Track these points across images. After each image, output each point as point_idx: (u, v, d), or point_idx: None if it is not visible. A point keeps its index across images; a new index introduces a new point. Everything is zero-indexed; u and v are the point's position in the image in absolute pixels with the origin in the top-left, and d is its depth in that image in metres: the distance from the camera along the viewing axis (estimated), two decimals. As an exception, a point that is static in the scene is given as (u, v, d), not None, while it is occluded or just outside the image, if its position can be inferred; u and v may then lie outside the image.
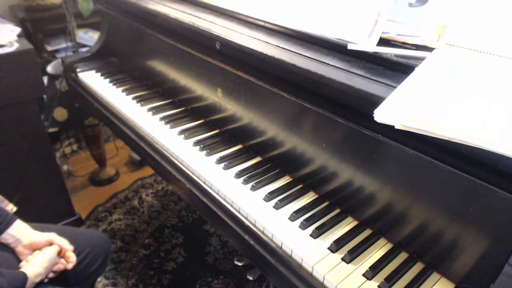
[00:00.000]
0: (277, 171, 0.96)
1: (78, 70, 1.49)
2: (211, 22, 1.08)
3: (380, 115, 0.60)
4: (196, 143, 1.06)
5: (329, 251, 0.75)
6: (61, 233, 1.02)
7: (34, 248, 0.93)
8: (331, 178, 0.84)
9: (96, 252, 1.06)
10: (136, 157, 2.29)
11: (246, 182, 0.92)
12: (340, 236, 0.78)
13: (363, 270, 0.72)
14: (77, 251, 1.01)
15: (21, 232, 0.93)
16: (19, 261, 0.93)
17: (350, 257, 0.73)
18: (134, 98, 1.31)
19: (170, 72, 1.26)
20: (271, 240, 0.79)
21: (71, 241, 1.00)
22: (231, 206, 0.88)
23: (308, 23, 0.92)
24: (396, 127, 0.59)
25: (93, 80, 1.44)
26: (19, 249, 0.93)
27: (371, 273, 0.71)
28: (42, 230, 0.98)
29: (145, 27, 1.28)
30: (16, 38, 1.37)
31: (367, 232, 0.80)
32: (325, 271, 0.71)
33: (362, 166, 0.77)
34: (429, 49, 0.79)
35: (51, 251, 0.92)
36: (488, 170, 0.60)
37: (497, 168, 0.59)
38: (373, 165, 0.75)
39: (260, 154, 1.03)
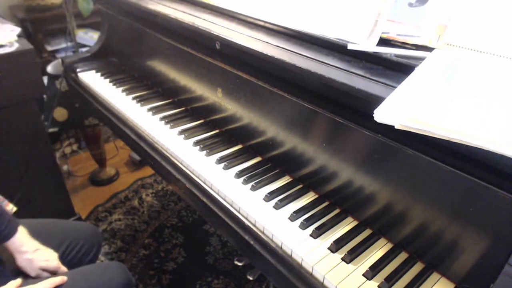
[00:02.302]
0: (277, 171, 0.96)
1: (78, 70, 1.49)
2: (211, 22, 1.08)
3: (380, 115, 0.60)
4: (196, 143, 1.06)
5: (329, 251, 0.75)
6: (54, 228, 1.02)
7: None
8: (331, 178, 0.84)
9: (90, 243, 1.07)
10: (136, 157, 2.29)
11: (246, 182, 0.92)
12: (340, 236, 0.78)
13: (363, 270, 0.72)
14: (72, 244, 1.02)
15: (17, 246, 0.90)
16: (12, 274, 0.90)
17: (350, 257, 0.73)
18: (134, 98, 1.31)
19: (170, 72, 1.26)
20: (271, 240, 0.79)
21: (65, 235, 1.01)
22: (231, 206, 0.88)
23: (308, 23, 0.92)
24: (396, 127, 0.59)
25: (93, 80, 1.44)
26: (20, 263, 0.91)
27: (371, 273, 0.71)
28: (39, 225, 0.99)
29: (145, 27, 1.28)
30: (16, 38, 1.37)
31: (367, 232, 0.80)
32: (325, 271, 0.71)
33: (362, 166, 0.77)
34: (429, 49, 0.79)
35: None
36: (488, 170, 0.60)
37: (497, 168, 0.59)
38: (373, 165, 0.75)
39: (260, 154, 1.03)
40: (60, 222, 1.10)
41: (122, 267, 0.99)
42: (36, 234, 0.97)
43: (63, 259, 0.99)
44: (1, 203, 1.28)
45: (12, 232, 0.89)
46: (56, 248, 0.98)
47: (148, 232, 1.85)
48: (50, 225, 1.03)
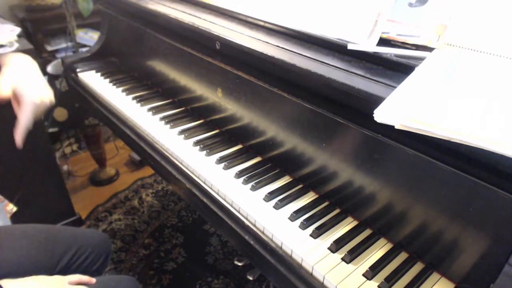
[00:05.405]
0: (277, 171, 0.96)
1: (78, 70, 1.49)
2: (211, 22, 1.08)
3: (380, 115, 0.60)
4: (196, 143, 1.06)
5: (329, 251, 0.75)
6: (62, 233, 1.01)
7: None
8: (331, 178, 0.84)
9: (98, 252, 1.05)
10: (136, 157, 2.29)
11: (246, 182, 0.92)
12: (340, 236, 0.78)
13: (363, 270, 0.72)
14: (79, 251, 1.01)
15: None
16: None
17: (350, 257, 0.73)
18: (134, 98, 1.31)
19: (170, 72, 1.26)
20: (271, 240, 0.79)
21: (72, 241, 1.00)
22: (231, 206, 0.88)
23: (308, 23, 0.92)
24: (396, 127, 0.59)
25: (93, 80, 1.44)
26: None
27: (371, 273, 0.71)
28: (45, 230, 0.98)
29: (145, 27, 1.28)
30: (16, 38, 1.38)
31: (367, 232, 0.80)
32: (325, 271, 0.71)
33: (362, 166, 0.77)
34: (429, 49, 0.79)
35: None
36: (488, 170, 0.60)
37: (497, 168, 0.59)
38: (373, 165, 0.75)
39: (260, 154, 1.03)
40: (68, 228, 1.09)
41: (135, 282, 0.99)
42: (43, 240, 0.96)
43: (68, 266, 0.98)
44: (1, 203, 1.28)
45: None
46: (62, 254, 0.97)
47: (148, 232, 1.85)
48: (57, 231, 1.02)
